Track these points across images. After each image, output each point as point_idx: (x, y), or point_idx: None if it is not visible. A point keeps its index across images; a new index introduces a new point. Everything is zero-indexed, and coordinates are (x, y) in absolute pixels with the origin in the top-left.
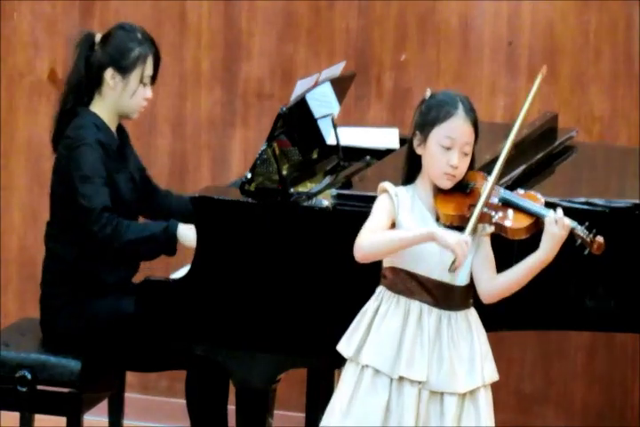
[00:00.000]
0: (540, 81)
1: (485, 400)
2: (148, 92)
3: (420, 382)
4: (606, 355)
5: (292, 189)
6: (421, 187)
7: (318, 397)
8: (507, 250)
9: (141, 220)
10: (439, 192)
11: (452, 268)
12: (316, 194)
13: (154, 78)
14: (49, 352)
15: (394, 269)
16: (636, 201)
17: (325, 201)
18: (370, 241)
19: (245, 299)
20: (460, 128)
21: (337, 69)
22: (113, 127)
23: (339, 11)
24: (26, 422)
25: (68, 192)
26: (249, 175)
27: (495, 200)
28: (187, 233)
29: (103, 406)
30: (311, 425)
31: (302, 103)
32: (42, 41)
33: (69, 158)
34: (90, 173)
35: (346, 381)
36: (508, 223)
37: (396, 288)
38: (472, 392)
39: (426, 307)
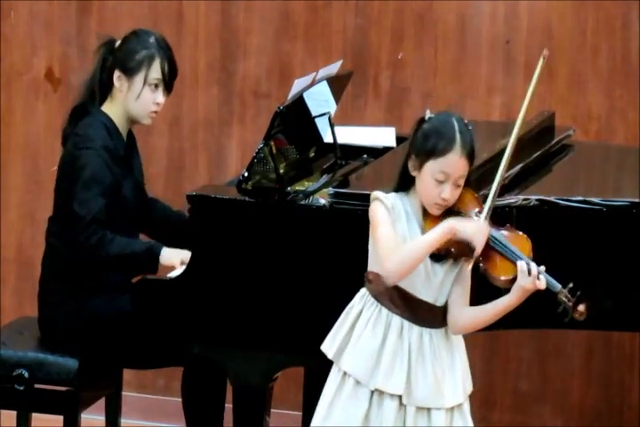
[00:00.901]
0: (543, 64)
1: (468, 412)
2: (158, 97)
3: (399, 396)
4: (603, 354)
5: (288, 188)
6: (414, 199)
7: (315, 395)
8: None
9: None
10: (429, 215)
11: (473, 256)
12: (313, 193)
13: (169, 85)
14: (47, 351)
15: (379, 276)
16: (633, 200)
17: (322, 200)
18: (395, 262)
19: (242, 297)
20: (455, 164)
21: (334, 68)
22: (124, 131)
23: (336, 10)
24: (23, 421)
25: (70, 189)
26: (246, 174)
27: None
28: (170, 256)
29: (100, 404)
30: (308, 424)
31: (299, 102)
32: (39, 40)
33: (74, 157)
34: (90, 180)
35: (329, 383)
36: (492, 271)
37: (379, 297)
38: (459, 405)
39: (406, 323)
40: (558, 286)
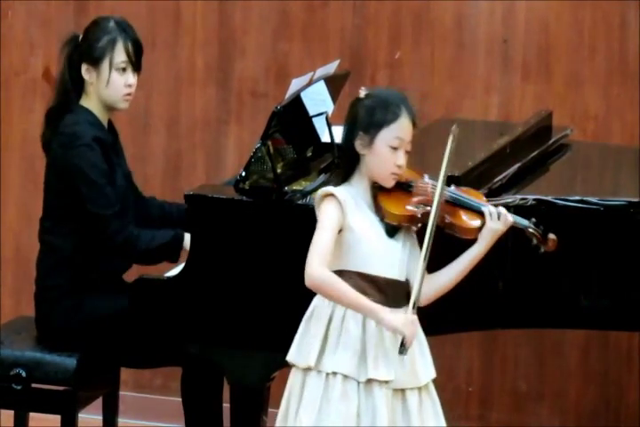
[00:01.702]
0: (453, 143)
1: (434, 390)
2: (129, 78)
3: (386, 382)
4: (601, 353)
5: (286, 188)
6: (360, 186)
7: None
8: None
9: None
10: (380, 191)
11: (402, 350)
12: (310, 192)
13: (136, 65)
14: (44, 350)
15: (343, 273)
16: (631, 199)
17: None
18: (326, 283)
19: (239, 297)
20: (407, 128)
21: (331, 68)
22: (104, 123)
23: (333, 9)
24: (20, 421)
25: (66, 187)
26: (243, 173)
27: (443, 200)
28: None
29: (98, 404)
30: None
31: (297, 102)
32: (36, 39)
33: (66, 158)
34: (94, 177)
35: (310, 390)
36: (460, 223)
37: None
38: (426, 384)
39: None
40: (525, 221)
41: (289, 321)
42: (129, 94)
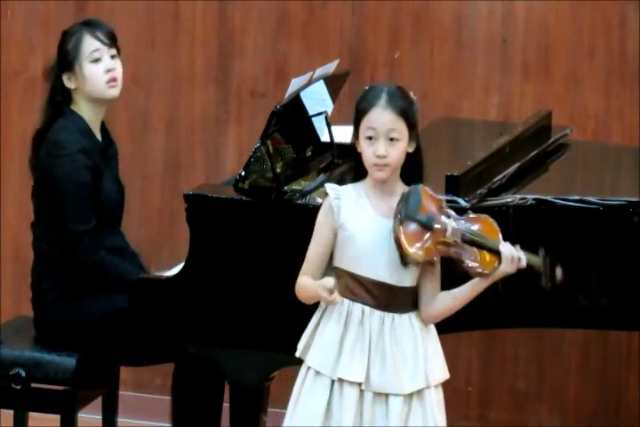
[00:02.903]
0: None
1: (435, 400)
2: (106, 64)
3: (359, 384)
4: (600, 353)
5: (285, 187)
6: (365, 184)
7: None
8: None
9: None
10: (402, 226)
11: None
12: (309, 192)
13: (111, 47)
14: (43, 350)
15: (337, 270)
16: (630, 199)
17: (319, 199)
18: (297, 286)
19: (239, 296)
20: (380, 116)
21: (331, 67)
22: (97, 127)
23: (332, 9)
24: (20, 421)
25: (49, 195)
26: (243, 173)
27: (458, 239)
28: None
29: (97, 404)
30: None
31: (296, 101)
32: (36, 39)
33: (49, 166)
34: (72, 189)
35: (296, 383)
36: (474, 268)
37: (340, 290)
38: (419, 392)
39: (367, 309)
40: (538, 261)
41: (288, 321)
42: (112, 80)
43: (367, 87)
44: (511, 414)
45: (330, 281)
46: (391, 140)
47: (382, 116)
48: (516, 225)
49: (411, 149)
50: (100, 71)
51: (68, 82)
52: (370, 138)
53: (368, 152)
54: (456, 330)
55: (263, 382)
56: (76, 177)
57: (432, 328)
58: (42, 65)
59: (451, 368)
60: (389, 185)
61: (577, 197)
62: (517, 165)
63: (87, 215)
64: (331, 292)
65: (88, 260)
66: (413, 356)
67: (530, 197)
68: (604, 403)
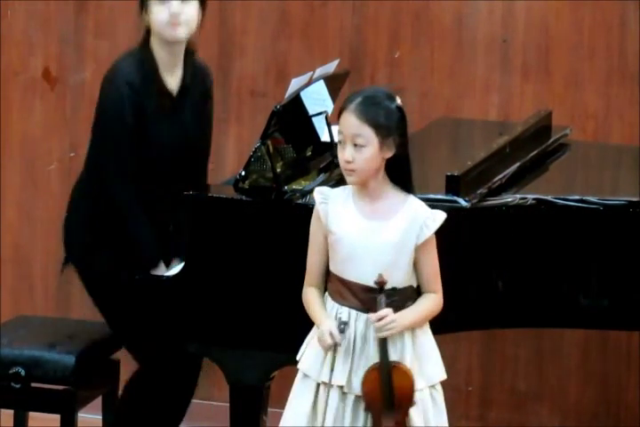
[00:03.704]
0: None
1: (432, 401)
2: (171, 7)
3: (340, 387)
4: (600, 353)
5: (285, 187)
6: (352, 187)
7: None
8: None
9: None
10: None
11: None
12: (309, 191)
13: None
14: (43, 349)
15: (330, 274)
16: (631, 199)
17: None
18: (303, 299)
19: (239, 296)
20: (346, 122)
21: (331, 67)
22: (170, 68)
23: (332, 9)
24: (20, 420)
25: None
26: (243, 173)
27: None
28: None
29: (97, 403)
30: None
31: (296, 101)
32: (36, 39)
33: (100, 89)
34: (105, 116)
35: (293, 385)
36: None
37: (331, 294)
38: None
39: (354, 313)
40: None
41: (288, 321)
42: (174, 23)
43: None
44: (511, 414)
45: (327, 339)
46: (356, 145)
47: (347, 121)
48: (517, 225)
49: (388, 155)
50: (163, 12)
51: (143, 19)
52: (340, 142)
53: (339, 156)
54: (456, 330)
55: (263, 382)
56: (113, 105)
57: (426, 328)
58: (42, 65)
59: (451, 368)
60: (373, 188)
61: (577, 197)
62: (517, 164)
63: (122, 156)
64: (328, 347)
65: (113, 197)
66: (401, 357)
67: (530, 196)
68: (604, 403)
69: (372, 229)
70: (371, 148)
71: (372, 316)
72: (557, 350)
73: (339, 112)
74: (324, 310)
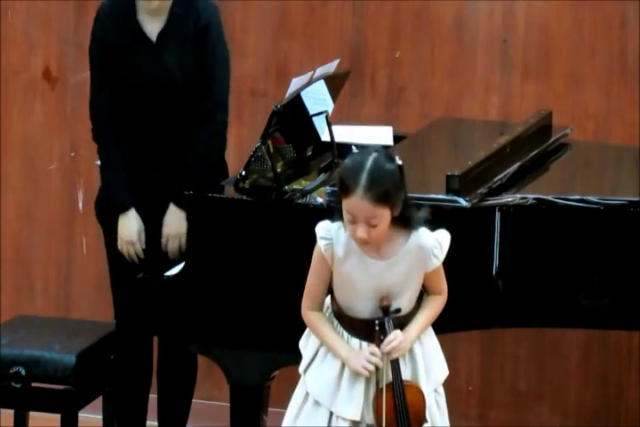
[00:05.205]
0: None
1: (437, 405)
2: None
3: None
4: (601, 353)
5: (286, 187)
6: None
7: None
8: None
9: None
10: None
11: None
12: (310, 191)
13: None
14: (43, 349)
15: (335, 300)
16: (631, 198)
17: (320, 198)
18: (309, 324)
19: (239, 296)
20: (357, 206)
21: (331, 67)
22: (154, 12)
23: (333, 9)
24: (20, 420)
25: None
26: (243, 173)
27: None
28: (123, 222)
29: (97, 403)
30: None
31: (296, 101)
32: (36, 39)
33: None
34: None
35: (296, 393)
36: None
37: (338, 318)
38: None
39: (365, 344)
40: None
41: (288, 321)
42: None
43: (353, 154)
44: (511, 413)
45: (369, 369)
46: (372, 226)
47: (359, 206)
48: (517, 225)
49: (396, 213)
50: None
51: None
52: (349, 220)
53: (350, 229)
54: (456, 330)
55: (263, 382)
56: (90, 41)
57: (430, 330)
58: (42, 65)
59: (451, 368)
60: None
61: (577, 197)
62: (518, 164)
63: (97, 89)
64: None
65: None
66: (412, 374)
67: (530, 196)
68: (604, 403)
69: (380, 271)
70: (385, 221)
71: (384, 343)
72: (557, 350)
73: (341, 188)
74: (339, 337)
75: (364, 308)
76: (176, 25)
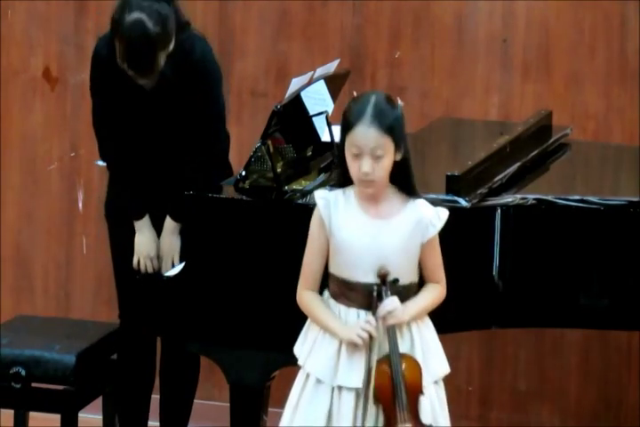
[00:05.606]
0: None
1: (436, 396)
2: None
3: (356, 389)
4: (601, 353)
5: (286, 187)
6: (354, 188)
7: None
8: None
9: None
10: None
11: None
12: (310, 191)
13: None
14: (43, 349)
15: (332, 277)
16: (631, 199)
17: None
18: (302, 305)
19: (239, 296)
20: (363, 135)
21: (331, 67)
22: None
23: (333, 9)
24: (20, 420)
25: None
26: (243, 173)
27: None
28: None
29: (98, 403)
30: None
31: (296, 101)
32: (36, 39)
33: None
34: (90, 89)
35: (295, 385)
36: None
37: (336, 296)
38: None
39: (363, 313)
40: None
41: (289, 321)
42: None
43: (355, 95)
44: (512, 413)
45: (363, 337)
46: (377, 158)
47: (367, 134)
48: (517, 225)
49: (398, 158)
50: None
51: None
52: (354, 154)
53: (354, 168)
54: (456, 330)
55: (263, 382)
56: (92, 78)
57: (430, 324)
58: (42, 65)
59: (451, 368)
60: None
61: (578, 197)
62: (518, 164)
63: (98, 113)
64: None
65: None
66: (410, 352)
67: (530, 196)
68: (604, 403)
69: (378, 230)
70: (389, 156)
71: (379, 307)
72: (557, 350)
73: (345, 126)
74: (333, 314)
75: (362, 278)
76: (168, 76)
